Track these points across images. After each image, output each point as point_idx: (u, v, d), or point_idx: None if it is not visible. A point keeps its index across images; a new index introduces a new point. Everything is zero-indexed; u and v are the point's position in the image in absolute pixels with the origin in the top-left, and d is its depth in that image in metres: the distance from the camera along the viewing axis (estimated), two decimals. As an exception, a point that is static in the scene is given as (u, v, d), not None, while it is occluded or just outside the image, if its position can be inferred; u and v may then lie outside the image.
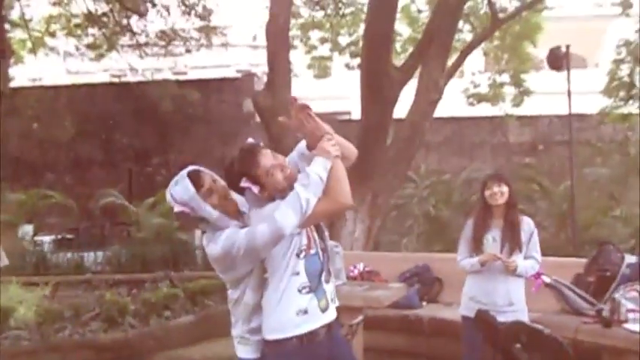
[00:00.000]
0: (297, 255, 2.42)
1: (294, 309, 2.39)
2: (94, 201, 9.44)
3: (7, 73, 10.55)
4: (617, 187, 10.03)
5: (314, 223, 2.46)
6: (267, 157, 2.42)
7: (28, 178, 12.50)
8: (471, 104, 12.24)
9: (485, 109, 12.44)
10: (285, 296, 2.39)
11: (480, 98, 12.10)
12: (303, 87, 13.74)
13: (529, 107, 12.22)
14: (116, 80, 14.28)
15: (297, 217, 2.32)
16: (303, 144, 2.54)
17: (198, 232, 8.31)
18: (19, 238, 9.32)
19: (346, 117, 14.64)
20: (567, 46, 8.48)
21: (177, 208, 2.46)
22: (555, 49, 8.54)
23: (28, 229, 10.14)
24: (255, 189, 2.39)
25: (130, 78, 14.03)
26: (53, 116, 13.10)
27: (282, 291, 2.40)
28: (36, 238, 10.97)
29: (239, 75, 13.99)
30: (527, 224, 3.72)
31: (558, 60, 8.47)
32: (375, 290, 4.22)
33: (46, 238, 11.38)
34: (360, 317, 3.83)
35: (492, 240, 3.65)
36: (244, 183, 2.39)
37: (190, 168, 2.50)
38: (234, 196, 2.53)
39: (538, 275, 3.86)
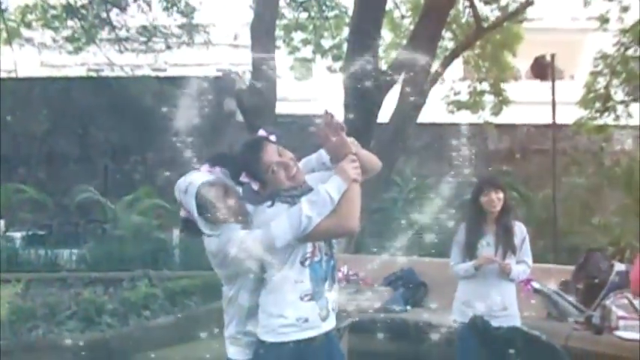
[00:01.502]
0: (302, 263, 2.32)
1: (295, 315, 2.30)
2: (70, 197, 9.15)
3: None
4: (592, 196, 10.21)
5: (313, 241, 2.35)
6: (271, 154, 2.31)
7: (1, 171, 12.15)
8: (451, 112, 12.31)
9: (464, 117, 12.53)
10: (286, 302, 2.30)
11: (459, 106, 12.17)
12: (285, 88, 13.68)
13: (507, 116, 12.38)
14: (93, 74, 13.98)
15: (294, 232, 2.24)
16: (325, 154, 2.46)
17: (177, 232, 8.17)
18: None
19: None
20: (552, 55, 8.52)
21: (182, 213, 2.39)
22: (540, 58, 8.62)
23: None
24: (255, 185, 2.29)
25: (108, 73, 13.78)
26: (27, 109, 12.79)
27: (283, 296, 2.30)
28: (7, 233, 10.65)
29: (220, 74, 13.84)
30: (519, 229, 3.73)
31: (543, 68, 8.54)
32: (362, 293, 4.20)
33: (17, 234, 11.06)
34: (348, 320, 3.80)
35: (487, 245, 3.65)
36: (244, 178, 2.30)
37: (202, 180, 2.33)
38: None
39: (528, 281, 3.88)
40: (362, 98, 7.83)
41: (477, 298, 3.58)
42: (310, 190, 2.36)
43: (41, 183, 11.53)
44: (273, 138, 2.40)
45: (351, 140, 2.37)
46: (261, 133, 2.44)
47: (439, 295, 5.20)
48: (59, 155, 12.54)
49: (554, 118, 9.06)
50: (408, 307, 5.33)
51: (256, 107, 7.39)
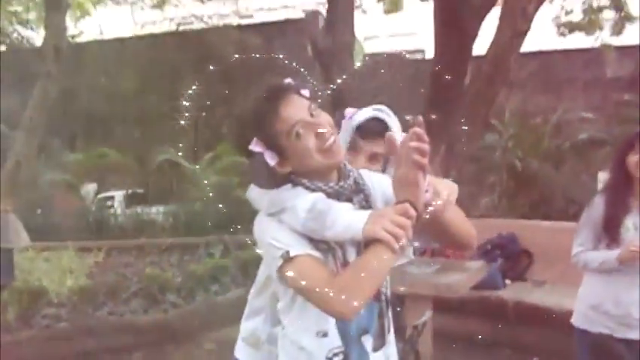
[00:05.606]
0: None
1: None
2: (152, 158, 9.07)
3: (63, 27, 10.35)
4: None
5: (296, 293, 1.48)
6: (297, 108, 1.46)
7: (99, 132, 12.48)
8: (562, 34, 10.94)
9: (577, 40, 11.10)
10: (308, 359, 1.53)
11: (572, 27, 10.79)
12: (372, 24, 12.76)
13: (630, 35, 10.76)
14: (178, 29, 13.87)
15: (313, 221, 1.41)
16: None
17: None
18: (81, 198, 9.19)
19: (419, 56, 13.57)
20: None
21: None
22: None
23: (90, 188, 10.03)
24: (271, 158, 1.46)
25: (196, 25, 13.60)
26: (119, 69, 12.95)
27: (303, 351, 1.52)
28: (105, 194, 10.94)
29: (303, 15, 13.13)
30: None
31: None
32: (448, 273, 3.46)
33: (118, 193, 11.34)
34: (428, 313, 3.08)
35: (633, 227, 2.62)
36: (255, 146, 1.46)
37: None
38: None
39: None
40: (455, 27, 6.93)
41: (614, 301, 2.62)
42: (362, 191, 1.54)
43: (136, 142, 11.64)
44: (305, 93, 1.53)
45: (449, 190, 1.50)
46: (287, 81, 1.56)
47: (546, 267, 4.36)
48: (150, 113, 12.58)
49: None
50: (508, 282, 4.52)
51: (331, 49, 6.70)
